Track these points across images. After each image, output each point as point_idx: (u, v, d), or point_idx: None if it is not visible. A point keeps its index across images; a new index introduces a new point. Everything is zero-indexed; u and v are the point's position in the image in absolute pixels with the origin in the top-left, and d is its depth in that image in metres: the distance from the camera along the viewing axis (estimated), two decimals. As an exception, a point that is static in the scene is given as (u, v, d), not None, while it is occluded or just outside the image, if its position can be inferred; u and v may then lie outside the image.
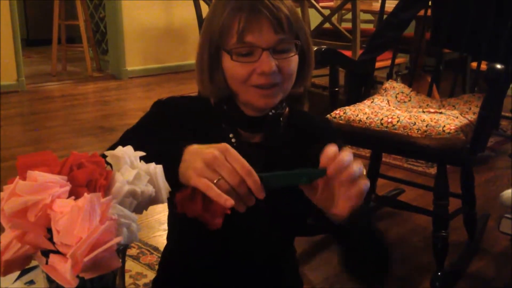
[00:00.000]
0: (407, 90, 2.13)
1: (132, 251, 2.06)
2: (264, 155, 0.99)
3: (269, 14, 0.90)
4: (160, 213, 2.33)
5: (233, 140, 1.00)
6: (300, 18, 0.97)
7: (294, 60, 0.96)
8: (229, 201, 0.70)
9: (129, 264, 1.96)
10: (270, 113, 0.99)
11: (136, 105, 4.53)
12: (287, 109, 1.05)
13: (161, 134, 0.98)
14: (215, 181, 0.72)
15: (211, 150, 0.74)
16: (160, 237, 2.20)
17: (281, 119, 1.02)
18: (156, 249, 2.10)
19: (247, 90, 0.95)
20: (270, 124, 1.01)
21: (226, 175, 0.73)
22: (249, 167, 0.73)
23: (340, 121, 1.89)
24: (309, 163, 0.78)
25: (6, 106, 4.30)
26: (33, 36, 7.41)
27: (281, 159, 0.99)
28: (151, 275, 1.91)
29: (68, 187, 0.62)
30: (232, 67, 0.94)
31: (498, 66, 1.65)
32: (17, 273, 1.06)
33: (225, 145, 0.75)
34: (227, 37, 0.93)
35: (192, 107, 1.05)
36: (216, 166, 0.73)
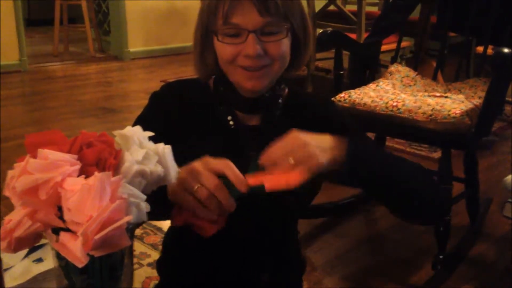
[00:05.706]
0: (412, 74, 2.12)
1: (136, 231, 2.04)
2: (261, 138, 0.97)
3: None
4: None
5: (231, 122, 1.00)
6: (295, 0, 0.95)
7: (284, 43, 0.94)
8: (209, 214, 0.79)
9: (133, 244, 1.97)
10: (267, 94, 0.99)
11: (138, 86, 4.52)
12: (286, 91, 1.03)
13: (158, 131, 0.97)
14: (195, 188, 0.77)
15: (193, 164, 0.79)
16: (163, 218, 2.21)
17: (279, 101, 1.01)
18: (159, 229, 2.11)
19: (235, 71, 0.95)
20: (267, 105, 1.00)
21: (204, 181, 0.77)
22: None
23: (345, 104, 1.88)
24: None
25: (8, 86, 4.30)
26: (35, 16, 7.37)
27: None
28: (155, 255, 1.92)
29: (78, 166, 0.62)
30: (220, 48, 0.94)
31: (505, 50, 1.63)
32: (25, 251, 1.07)
33: (206, 158, 0.79)
34: (215, 18, 0.93)
35: (190, 91, 1.04)
36: (195, 175, 0.78)
